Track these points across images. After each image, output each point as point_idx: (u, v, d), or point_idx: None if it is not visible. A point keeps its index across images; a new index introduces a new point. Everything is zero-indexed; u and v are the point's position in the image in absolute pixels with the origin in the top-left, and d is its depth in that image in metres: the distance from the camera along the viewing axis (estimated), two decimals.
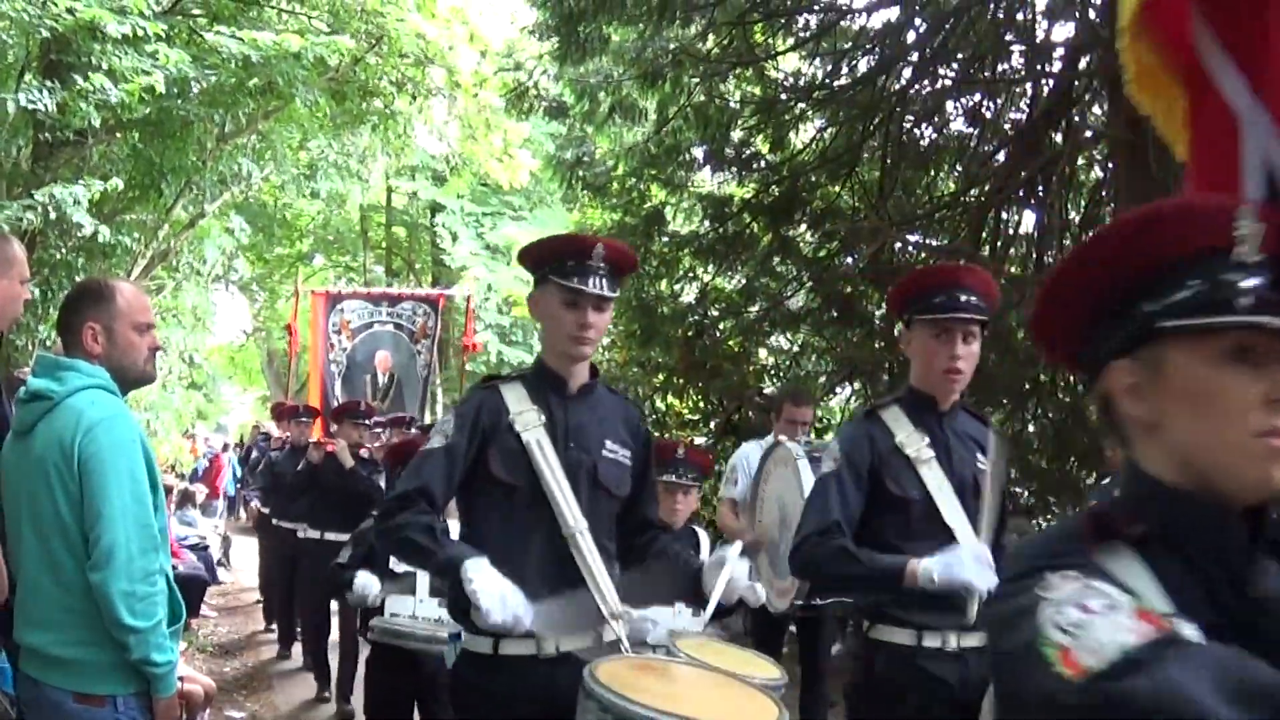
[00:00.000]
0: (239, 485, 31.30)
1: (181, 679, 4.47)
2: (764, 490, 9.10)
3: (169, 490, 16.24)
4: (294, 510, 13.40)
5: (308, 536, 12.63)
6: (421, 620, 7.72)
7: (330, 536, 11.86)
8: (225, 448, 34.83)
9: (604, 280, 4.73)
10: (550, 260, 4.79)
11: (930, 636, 4.98)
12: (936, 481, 5.11)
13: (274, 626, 15.08)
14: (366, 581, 7.66)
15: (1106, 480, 11.65)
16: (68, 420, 4.26)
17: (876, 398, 9.41)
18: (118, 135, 14.18)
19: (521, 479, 4.67)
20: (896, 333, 10.73)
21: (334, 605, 11.94)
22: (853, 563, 4.91)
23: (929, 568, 4.73)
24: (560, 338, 4.78)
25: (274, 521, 14.50)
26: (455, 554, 4.42)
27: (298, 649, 13.77)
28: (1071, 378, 15.37)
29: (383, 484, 11.73)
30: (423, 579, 7.70)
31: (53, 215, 12.08)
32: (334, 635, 12.17)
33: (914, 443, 5.18)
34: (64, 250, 14.05)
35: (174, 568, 7.88)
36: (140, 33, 11.74)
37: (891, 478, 5.12)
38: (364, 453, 12.69)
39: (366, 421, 13.11)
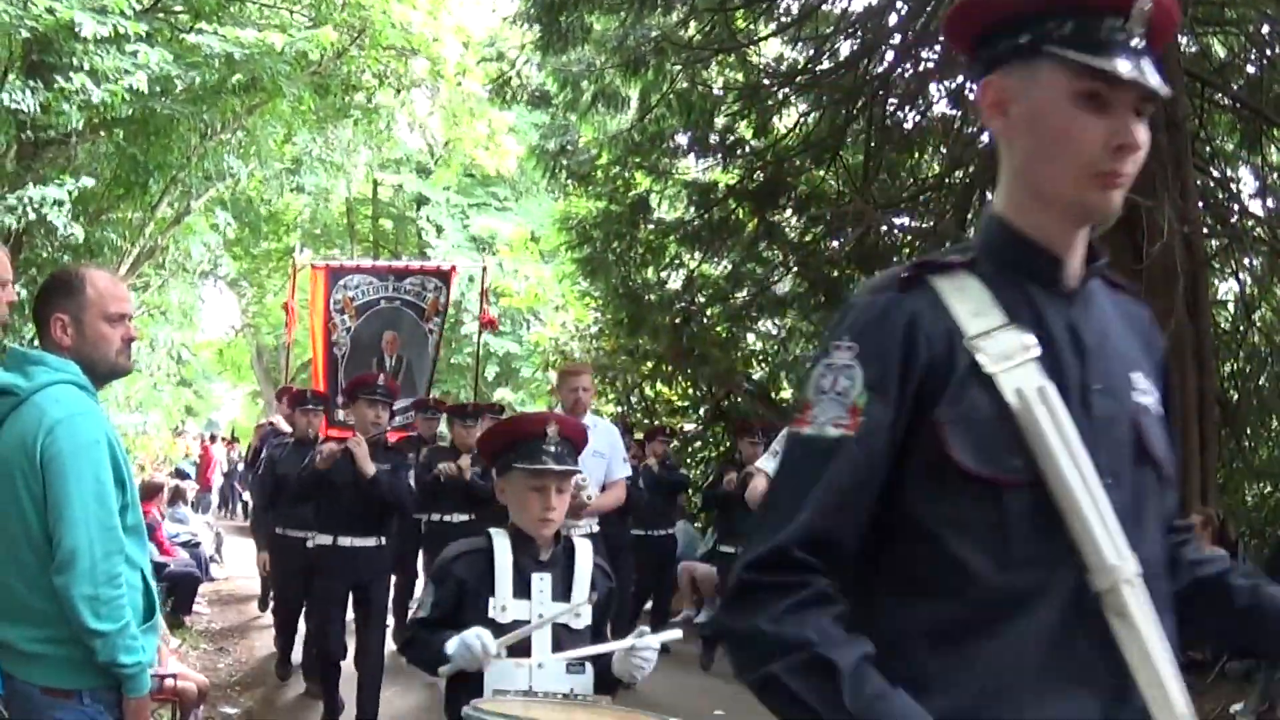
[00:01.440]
0: (236, 481, 31.30)
1: (175, 676, 4.47)
2: None
3: (159, 489, 16.24)
4: (300, 515, 11.16)
5: (319, 544, 10.28)
6: (544, 697, 4.63)
7: (345, 542, 10.00)
8: (214, 439, 34.81)
9: None
10: None
11: None
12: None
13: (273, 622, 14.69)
14: (472, 643, 4.55)
15: None
16: (31, 418, 4.21)
17: None
18: (102, 134, 14.15)
19: (1017, 471, 2.28)
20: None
21: (350, 616, 10.29)
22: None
23: None
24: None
25: (279, 530, 12.05)
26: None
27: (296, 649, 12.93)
28: None
29: (411, 480, 10.56)
30: (542, 635, 4.74)
31: (32, 217, 12.06)
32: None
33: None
34: (50, 250, 14.02)
35: (165, 565, 7.88)
36: (121, 31, 11.72)
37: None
38: (391, 440, 10.87)
39: (383, 397, 10.36)
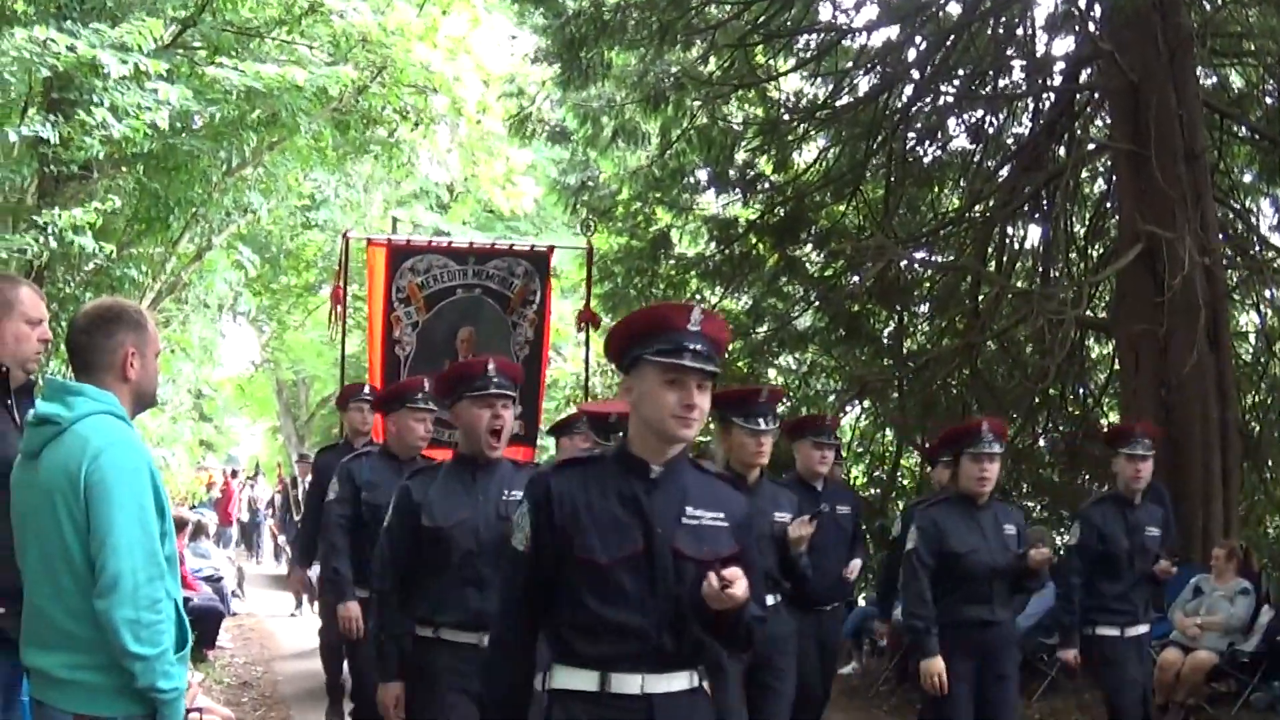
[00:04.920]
0: (263, 519, 31.17)
1: (200, 710, 4.47)
2: None
3: (184, 524, 16.18)
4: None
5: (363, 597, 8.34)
6: None
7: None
8: (234, 474, 34.78)
9: None
10: None
11: None
12: None
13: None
14: None
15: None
16: (74, 446, 4.24)
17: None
18: (123, 169, 14.19)
19: None
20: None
21: None
22: None
23: None
24: None
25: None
26: None
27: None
28: (1081, 391, 15.43)
29: None
30: None
31: (54, 245, 12.09)
32: None
33: None
34: (72, 284, 14.06)
35: (188, 600, 7.81)
36: (142, 69, 11.77)
37: None
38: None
39: (425, 405, 8.48)
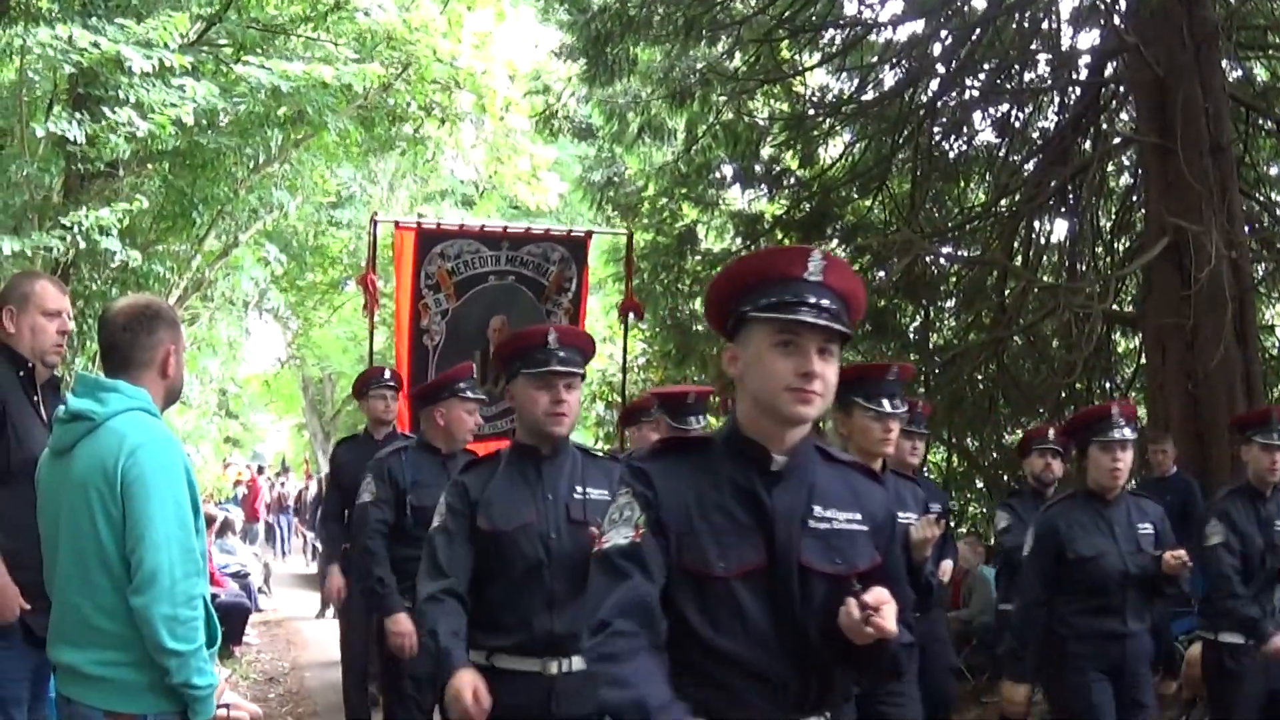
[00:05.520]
0: (288, 518, 31.24)
1: (228, 706, 4.48)
2: None
3: (211, 520, 16.21)
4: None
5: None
6: None
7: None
8: (260, 470, 34.86)
9: None
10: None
11: None
12: None
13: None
14: None
15: (1133, 483, 11.66)
16: (110, 443, 4.25)
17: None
18: (149, 166, 14.23)
19: None
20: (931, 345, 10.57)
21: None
22: None
23: None
24: None
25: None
26: None
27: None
28: (1108, 385, 15.38)
29: None
30: None
31: (82, 244, 12.11)
32: None
33: None
34: (98, 282, 14.08)
35: (215, 596, 7.78)
36: (167, 65, 11.78)
37: None
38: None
39: (474, 394, 8.01)
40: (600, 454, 6.23)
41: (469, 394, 7.96)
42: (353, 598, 9.38)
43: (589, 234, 13.48)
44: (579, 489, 5.49)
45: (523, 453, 5.56)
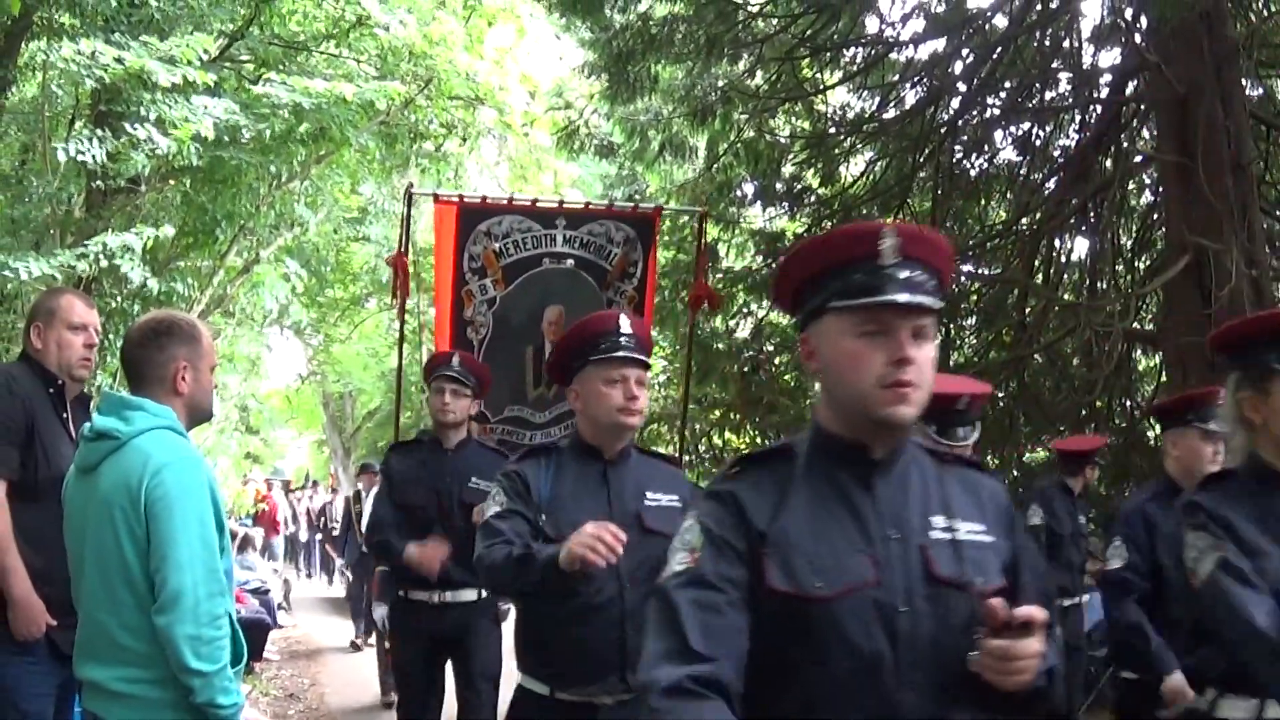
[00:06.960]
0: (319, 536, 31.03)
1: None
2: None
3: (232, 536, 16.25)
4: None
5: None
6: None
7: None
8: (287, 486, 34.87)
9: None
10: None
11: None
12: None
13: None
14: None
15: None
16: (135, 461, 4.27)
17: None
18: (170, 182, 14.27)
19: None
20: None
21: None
22: None
23: None
24: None
25: (401, 594, 8.17)
26: None
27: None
28: (1129, 403, 15.36)
29: None
30: None
31: (104, 264, 12.14)
32: None
33: None
34: (119, 298, 14.12)
35: (237, 612, 7.83)
36: (190, 80, 11.81)
37: None
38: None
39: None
40: (661, 454, 5.73)
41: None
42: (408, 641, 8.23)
43: (658, 209, 11.24)
44: (648, 495, 5.01)
45: (584, 453, 5.05)
